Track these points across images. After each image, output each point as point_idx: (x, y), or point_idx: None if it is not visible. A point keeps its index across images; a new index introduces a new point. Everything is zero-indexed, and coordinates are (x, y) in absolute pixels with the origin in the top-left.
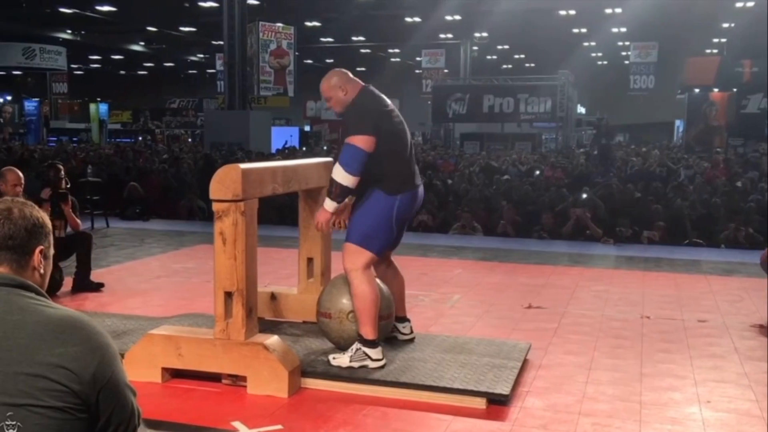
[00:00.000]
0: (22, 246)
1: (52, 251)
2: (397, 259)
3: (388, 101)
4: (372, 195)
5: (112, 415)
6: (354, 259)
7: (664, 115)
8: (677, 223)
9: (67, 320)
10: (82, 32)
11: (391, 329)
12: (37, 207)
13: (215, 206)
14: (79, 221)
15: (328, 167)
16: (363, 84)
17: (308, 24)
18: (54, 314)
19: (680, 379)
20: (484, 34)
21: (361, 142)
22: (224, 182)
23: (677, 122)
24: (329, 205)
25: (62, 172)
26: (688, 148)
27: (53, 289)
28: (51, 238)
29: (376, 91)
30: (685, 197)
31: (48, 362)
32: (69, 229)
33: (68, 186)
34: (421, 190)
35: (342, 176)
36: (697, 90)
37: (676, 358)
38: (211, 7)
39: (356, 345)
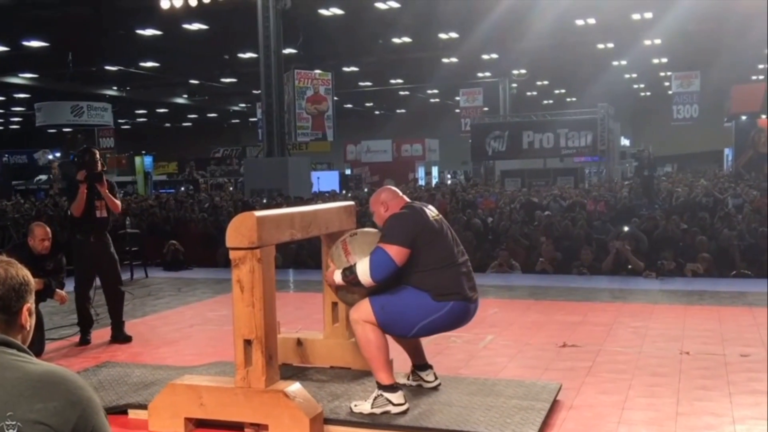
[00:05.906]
0: (11, 306)
1: (34, 307)
2: None
3: (429, 215)
4: (419, 294)
5: None
6: (363, 315)
7: (713, 144)
8: (724, 254)
9: (48, 376)
10: (128, 88)
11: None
12: (20, 265)
13: (232, 254)
14: (118, 202)
15: (349, 211)
16: (407, 201)
17: (346, 69)
18: (35, 370)
19: (717, 417)
20: (523, 71)
21: (395, 252)
22: (240, 230)
23: (726, 150)
24: (339, 278)
25: (97, 155)
26: (738, 176)
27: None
28: (33, 294)
29: (418, 206)
30: (732, 227)
31: (27, 418)
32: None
33: (104, 169)
34: (474, 306)
35: (364, 275)
36: (744, 117)
37: (715, 396)
38: (250, 58)
39: (377, 392)
